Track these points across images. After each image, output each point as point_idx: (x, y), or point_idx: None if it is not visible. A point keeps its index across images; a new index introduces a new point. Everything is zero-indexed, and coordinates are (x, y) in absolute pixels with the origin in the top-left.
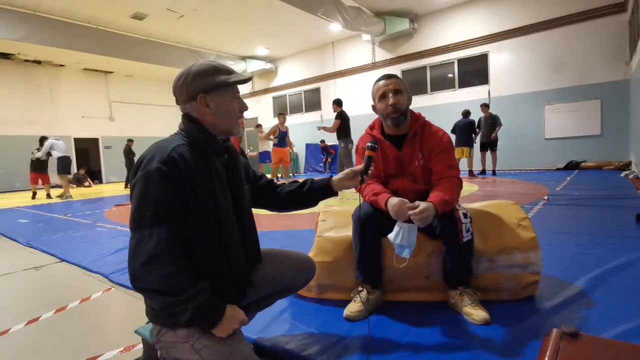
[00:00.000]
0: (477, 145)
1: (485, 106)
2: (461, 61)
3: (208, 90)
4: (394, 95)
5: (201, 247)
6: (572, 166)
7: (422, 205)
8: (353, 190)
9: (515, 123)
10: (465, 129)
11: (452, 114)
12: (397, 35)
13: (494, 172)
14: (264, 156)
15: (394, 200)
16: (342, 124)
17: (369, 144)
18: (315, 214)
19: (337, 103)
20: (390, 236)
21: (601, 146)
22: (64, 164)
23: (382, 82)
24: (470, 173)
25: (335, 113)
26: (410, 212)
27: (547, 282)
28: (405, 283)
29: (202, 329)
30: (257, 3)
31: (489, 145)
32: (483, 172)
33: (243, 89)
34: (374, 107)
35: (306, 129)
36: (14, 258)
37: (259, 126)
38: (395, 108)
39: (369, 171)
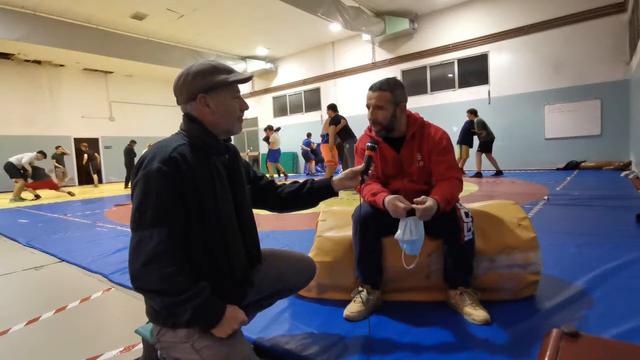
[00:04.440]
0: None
1: (470, 112)
2: (461, 61)
3: (208, 90)
4: (374, 111)
5: (202, 247)
6: (572, 166)
7: (428, 202)
8: (353, 190)
9: (515, 123)
10: (462, 128)
11: (452, 114)
12: (397, 35)
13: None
14: None
15: (388, 198)
16: (344, 126)
17: (369, 144)
18: (315, 214)
19: (333, 108)
20: (398, 235)
21: (601, 146)
22: None
23: (369, 93)
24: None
25: (332, 117)
26: (415, 206)
27: (547, 282)
28: (405, 283)
29: (202, 329)
30: (257, 3)
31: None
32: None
33: (243, 89)
34: None
35: (306, 129)
36: (14, 258)
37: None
38: (375, 122)
39: (369, 171)
